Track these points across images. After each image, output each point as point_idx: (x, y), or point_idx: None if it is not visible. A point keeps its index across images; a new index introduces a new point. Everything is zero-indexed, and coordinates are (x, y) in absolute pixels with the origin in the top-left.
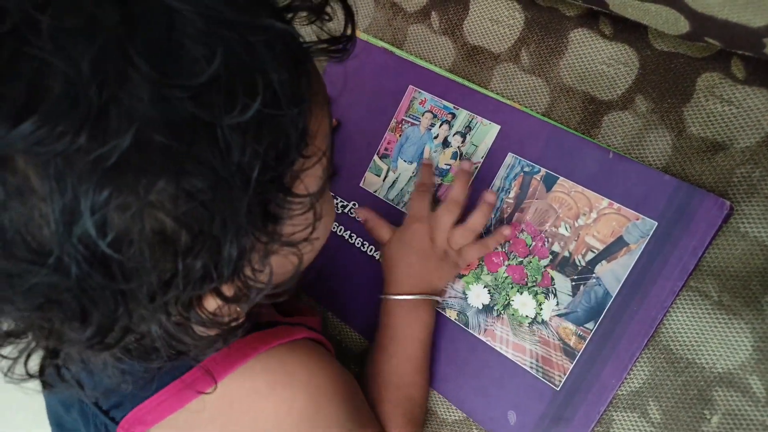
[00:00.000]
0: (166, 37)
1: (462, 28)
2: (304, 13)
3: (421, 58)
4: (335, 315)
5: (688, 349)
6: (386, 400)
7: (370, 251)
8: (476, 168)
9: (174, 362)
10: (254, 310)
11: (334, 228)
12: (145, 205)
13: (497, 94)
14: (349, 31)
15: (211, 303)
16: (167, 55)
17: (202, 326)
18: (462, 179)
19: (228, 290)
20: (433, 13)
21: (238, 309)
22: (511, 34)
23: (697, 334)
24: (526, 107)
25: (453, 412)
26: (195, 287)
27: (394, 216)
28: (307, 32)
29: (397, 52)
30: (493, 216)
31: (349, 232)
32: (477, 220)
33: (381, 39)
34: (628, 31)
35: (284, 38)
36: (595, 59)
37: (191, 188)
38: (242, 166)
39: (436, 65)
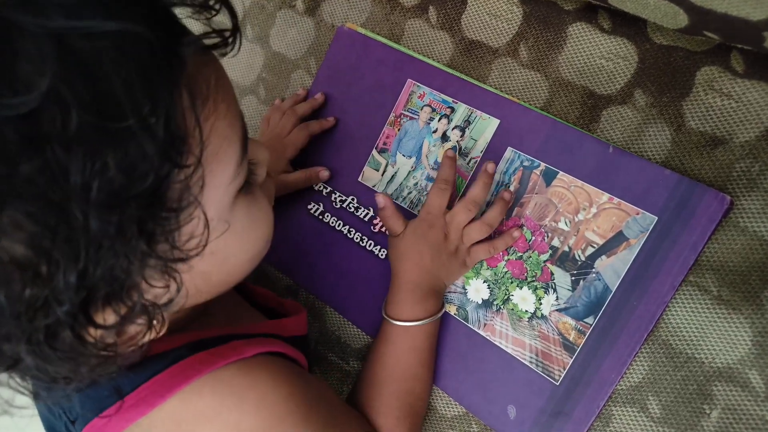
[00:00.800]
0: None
1: (460, 22)
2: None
3: (418, 53)
4: (335, 310)
5: (688, 344)
6: (387, 392)
7: (369, 246)
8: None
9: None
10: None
11: (332, 223)
12: None
13: (496, 88)
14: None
15: (105, 318)
16: None
17: (70, 354)
18: (485, 180)
19: (108, 315)
20: (431, 7)
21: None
22: (509, 28)
23: (696, 328)
24: (524, 102)
25: (452, 408)
26: (55, 314)
27: None
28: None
29: (395, 46)
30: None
31: (348, 227)
32: (494, 215)
33: (378, 33)
34: (627, 24)
35: (136, 41)
36: (594, 53)
37: (30, 212)
38: (85, 186)
39: (434, 60)
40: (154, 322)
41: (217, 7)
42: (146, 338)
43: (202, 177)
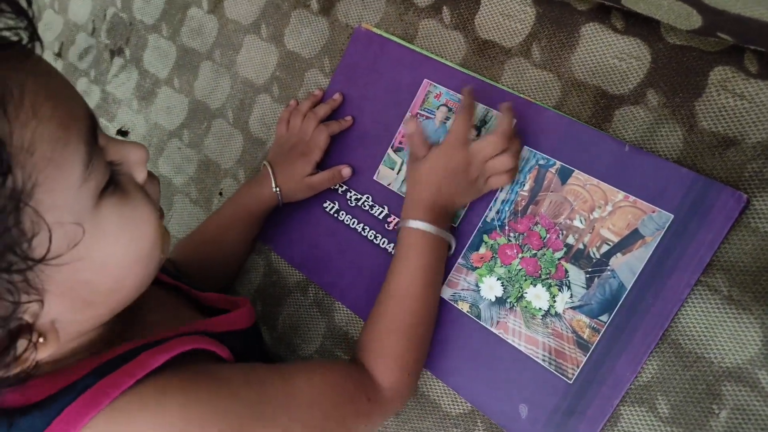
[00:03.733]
0: None
1: (473, 22)
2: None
3: (432, 53)
4: (347, 307)
5: (697, 344)
6: (384, 313)
7: (383, 244)
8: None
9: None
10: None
11: (347, 221)
12: None
13: (510, 88)
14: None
15: None
16: None
17: None
18: (510, 114)
19: None
20: (444, 7)
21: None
22: (522, 28)
23: (706, 328)
24: (538, 101)
25: (457, 405)
26: None
27: None
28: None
29: (409, 46)
30: (507, 209)
31: (362, 225)
32: (517, 145)
33: (392, 33)
34: (640, 25)
35: None
36: (607, 53)
37: None
38: None
39: (447, 59)
40: (40, 339)
41: (3, 7)
42: (40, 356)
43: (33, 184)
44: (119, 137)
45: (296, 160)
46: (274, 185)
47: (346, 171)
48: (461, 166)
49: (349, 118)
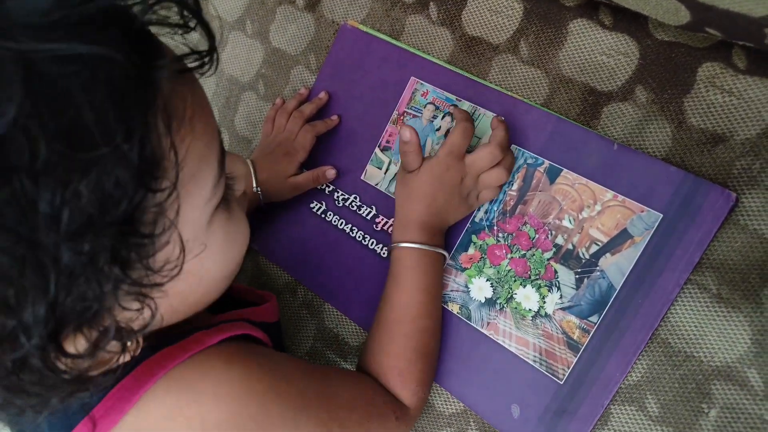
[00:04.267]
0: None
1: (461, 18)
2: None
3: (419, 49)
4: (335, 308)
5: (687, 343)
6: (398, 333)
7: (371, 245)
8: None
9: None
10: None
11: (335, 222)
12: None
13: (497, 85)
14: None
15: (76, 345)
16: None
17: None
18: (504, 126)
19: (80, 341)
20: (431, 3)
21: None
22: (510, 24)
23: (695, 327)
24: (526, 98)
25: (450, 405)
26: (23, 346)
27: (394, 209)
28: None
29: (395, 43)
30: (496, 209)
31: (350, 226)
32: (511, 158)
33: (378, 30)
34: (628, 20)
35: (109, 65)
36: (595, 50)
37: None
38: (55, 217)
39: (434, 56)
40: (128, 344)
41: (192, 25)
42: (120, 361)
43: (177, 200)
44: None
45: (280, 160)
46: (255, 185)
47: (330, 172)
48: (456, 179)
49: (335, 117)
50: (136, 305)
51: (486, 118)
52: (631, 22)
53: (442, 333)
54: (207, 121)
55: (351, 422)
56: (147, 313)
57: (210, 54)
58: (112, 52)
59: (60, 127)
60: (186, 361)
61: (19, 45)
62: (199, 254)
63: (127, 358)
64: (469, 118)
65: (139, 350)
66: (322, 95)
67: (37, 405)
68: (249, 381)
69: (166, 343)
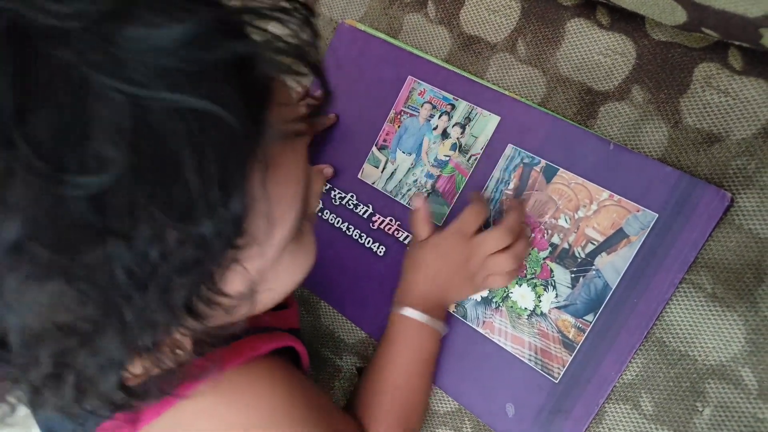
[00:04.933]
0: (71, 119)
1: (458, 17)
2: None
3: (416, 48)
4: (331, 306)
5: (682, 342)
6: (384, 401)
7: (368, 243)
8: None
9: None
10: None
11: (331, 220)
12: (38, 305)
13: (493, 84)
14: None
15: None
16: (66, 144)
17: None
18: (520, 209)
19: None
20: (429, 2)
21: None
22: (507, 23)
23: (690, 326)
24: (523, 98)
25: (445, 404)
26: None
27: (391, 208)
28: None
29: (393, 41)
30: (492, 208)
31: (346, 224)
32: (521, 247)
33: (376, 28)
34: (625, 20)
35: (220, 123)
36: (592, 49)
37: (81, 292)
38: (139, 278)
39: (431, 55)
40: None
41: (305, 72)
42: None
43: (260, 243)
44: None
45: None
46: None
47: (327, 171)
48: (461, 258)
49: (332, 115)
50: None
51: (483, 117)
52: (628, 22)
53: None
54: (298, 164)
55: None
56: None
57: (326, 105)
58: (223, 113)
59: (162, 193)
60: (240, 366)
61: (135, 89)
62: (270, 276)
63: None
64: (482, 200)
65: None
66: (332, 116)
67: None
68: (285, 406)
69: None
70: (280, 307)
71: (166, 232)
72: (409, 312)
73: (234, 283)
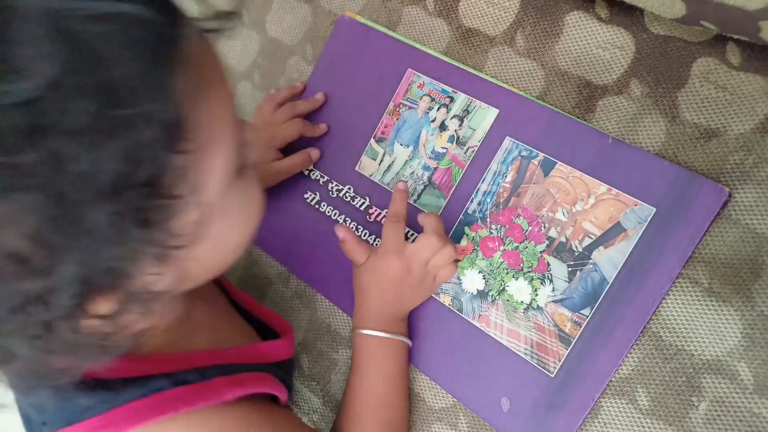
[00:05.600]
0: None
1: (457, 10)
2: None
3: (415, 41)
4: (327, 298)
5: (678, 336)
6: (364, 422)
7: (364, 236)
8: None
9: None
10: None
11: (328, 212)
12: None
13: (492, 77)
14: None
15: (101, 308)
16: None
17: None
18: (434, 216)
19: (105, 304)
20: None
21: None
22: (506, 16)
23: (686, 320)
24: (521, 91)
25: (441, 399)
26: (52, 307)
27: (388, 200)
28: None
29: (392, 34)
30: (489, 200)
31: (343, 216)
32: (450, 243)
33: (375, 21)
34: (624, 14)
35: (141, 25)
36: (591, 43)
37: (31, 204)
38: (87, 176)
39: (430, 48)
40: (151, 308)
41: None
42: (142, 326)
43: (198, 162)
44: None
45: (259, 147)
46: None
47: (314, 153)
48: (400, 273)
49: (324, 126)
50: (156, 269)
51: (481, 110)
52: (627, 15)
53: (433, 325)
54: (225, 84)
55: None
56: (169, 275)
57: (233, 16)
58: (143, 11)
59: (94, 87)
60: (202, 409)
61: (50, 3)
62: (216, 219)
63: (147, 324)
64: (397, 217)
65: (162, 321)
66: (319, 96)
67: (64, 367)
68: None
69: (185, 380)
70: (263, 326)
71: (103, 125)
72: (367, 332)
73: (183, 215)
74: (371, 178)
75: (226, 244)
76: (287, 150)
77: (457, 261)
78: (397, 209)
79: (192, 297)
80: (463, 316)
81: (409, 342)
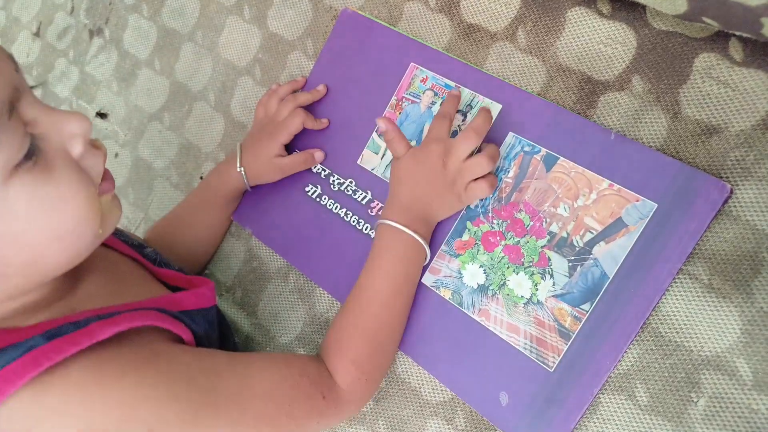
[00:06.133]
0: None
1: (459, 5)
2: None
3: (416, 36)
4: (326, 290)
5: (677, 332)
6: (352, 309)
7: (366, 229)
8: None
9: None
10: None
11: (330, 206)
12: None
13: (494, 73)
14: None
15: None
16: None
17: None
18: (486, 113)
19: None
20: None
21: None
22: (508, 12)
23: (686, 317)
24: (523, 87)
25: (438, 393)
26: None
27: None
28: None
29: (396, 29)
30: (491, 195)
31: (345, 210)
32: (492, 148)
33: (377, 16)
34: (626, 9)
35: None
36: (593, 38)
37: None
38: None
39: (431, 43)
40: None
41: None
42: None
43: None
44: (97, 118)
45: (263, 141)
46: (238, 165)
47: (318, 155)
48: (437, 164)
49: (325, 120)
50: None
51: (485, 105)
52: (629, 11)
53: (433, 319)
54: None
55: (267, 411)
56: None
57: None
58: None
59: None
60: (79, 358)
61: None
62: None
63: None
64: (445, 115)
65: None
66: (321, 88)
67: None
68: (142, 388)
69: (60, 333)
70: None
71: None
72: (391, 223)
73: None
74: (373, 172)
75: (26, 241)
76: (292, 144)
77: (491, 184)
78: (447, 108)
79: (80, 278)
80: (463, 310)
81: (428, 251)
